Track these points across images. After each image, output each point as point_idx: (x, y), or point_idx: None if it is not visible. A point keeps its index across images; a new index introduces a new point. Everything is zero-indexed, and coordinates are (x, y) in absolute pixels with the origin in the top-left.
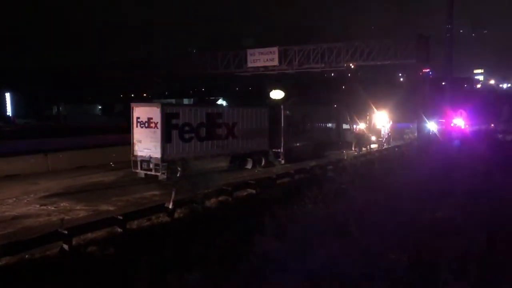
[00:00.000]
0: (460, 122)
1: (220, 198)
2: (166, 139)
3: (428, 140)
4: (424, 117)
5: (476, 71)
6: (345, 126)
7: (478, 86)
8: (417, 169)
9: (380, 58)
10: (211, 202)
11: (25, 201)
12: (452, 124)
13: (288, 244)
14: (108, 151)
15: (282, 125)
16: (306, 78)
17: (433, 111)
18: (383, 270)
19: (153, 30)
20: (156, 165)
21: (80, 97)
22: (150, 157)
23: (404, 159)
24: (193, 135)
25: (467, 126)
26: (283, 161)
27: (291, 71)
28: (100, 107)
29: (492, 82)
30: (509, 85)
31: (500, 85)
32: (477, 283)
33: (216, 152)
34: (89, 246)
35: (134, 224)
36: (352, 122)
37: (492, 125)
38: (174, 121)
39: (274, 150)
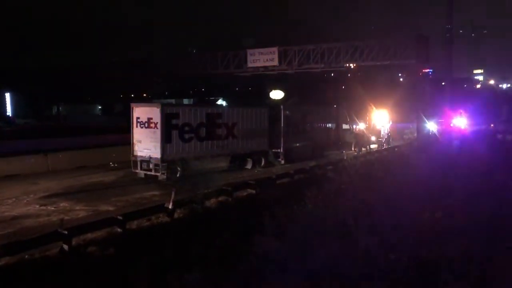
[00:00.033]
0: (459, 122)
1: (220, 198)
2: (166, 139)
3: (428, 140)
4: (424, 117)
5: (475, 71)
6: (344, 126)
7: (478, 86)
8: (417, 169)
9: (380, 58)
10: (211, 202)
11: (25, 201)
12: (451, 124)
13: (288, 244)
14: (108, 151)
15: (282, 125)
16: (306, 78)
17: (433, 111)
18: (383, 270)
19: (153, 30)
20: (156, 165)
21: (80, 97)
22: (150, 157)
23: (404, 159)
24: (193, 135)
25: (466, 126)
26: (282, 161)
27: (291, 71)
28: (100, 107)
29: (491, 82)
30: (508, 85)
31: (500, 85)
32: (477, 283)
33: (216, 152)
34: (89, 246)
35: (134, 224)
36: (352, 122)
37: (492, 125)
38: (174, 121)
39: (274, 150)
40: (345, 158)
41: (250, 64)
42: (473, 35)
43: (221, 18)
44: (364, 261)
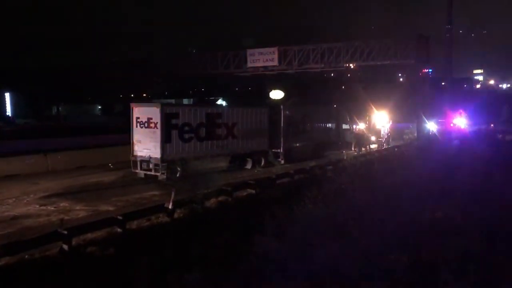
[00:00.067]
0: (459, 122)
1: (219, 198)
2: (165, 139)
3: (427, 140)
4: (424, 117)
5: (475, 71)
6: (344, 126)
7: (478, 86)
8: (416, 169)
9: (380, 58)
10: (211, 202)
11: (25, 201)
12: (451, 124)
13: (288, 244)
14: (107, 151)
15: (282, 125)
16: (306, 78)
17: (433, 111)
18: (383, 270)
19: (153, 30)
20: (155, 165)
21: (80, 97)
22: (150, 157)
23: (404, 159)
24: (192, 135)
25: (466, 126)
26: (282, 161)
27: (291, 71)
28: (100, 107)
29: (491, 82)
30: (508, 85)
31: (500, 85)
32: (477, 283)
33: (216, 152)
34: (88, 246)
35: (134, 224)
36: (352, 122)
37: (492, 125)
38: (173, 121)
39: (273, 150)
40: (345, 158)
41: (250, 64)
42: (472, 35)
43: (221, 18)
44: (363, 261)
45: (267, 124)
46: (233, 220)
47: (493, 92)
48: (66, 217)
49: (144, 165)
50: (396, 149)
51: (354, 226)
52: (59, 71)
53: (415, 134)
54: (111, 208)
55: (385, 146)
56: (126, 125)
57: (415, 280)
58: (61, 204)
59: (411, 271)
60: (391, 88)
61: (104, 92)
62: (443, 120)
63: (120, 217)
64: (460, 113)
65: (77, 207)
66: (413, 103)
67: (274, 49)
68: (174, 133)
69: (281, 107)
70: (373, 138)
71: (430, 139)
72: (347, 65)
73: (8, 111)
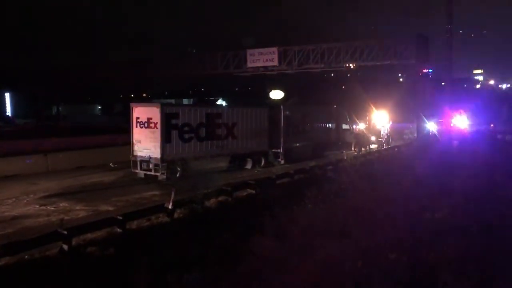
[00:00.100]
0: (459, 122)
1: (219, 199)
2: (165, 139)
3: (427, 140)
4: (423, 117)
5: (475, 71)
6: (344, 127)
7: (478, 86)
8: (416, 169)
9: (380, 58)
10: (211, 202)
11: (25, 201)
12: (451, 124)
13: (288, 244)
14: (107, 151)
15: (282, 125)
16: (306, 78)
17: (433, 111)
18: (383, 270)
19: (153, 30)
20: (155, 165)
21: (80, 97)
22: (150, 157)
23: (403, 160)
24: (192, 135)
25: (466, 126)
26: (282, 162)
27: (291, 71)
28: (99, 107)
29: (491, 82)
30: (508, 85)
31: (500, 86)
32: (477, 283)
33: (216, 152)
34: (88, 247)
35: (134, 225)
36: (352, 122)
37: (492, 125)
38: (173, 121)
39: (273, 150)
40: (345, 158)
41: (250, 64)
42: (472, 35)
43: (221, 18)
44: (363, 261)
45: (267, 124)
46: (233, 220)
47: (493, 92)
48: (66, 217)
49: (144, 165)
50: (396, 149)
51: (354, 226)
52: (59, 71)
53: (415, 134)
54: (111, 208)
55: (385, 146)
56: (126, 125)
57: (415, 280)
58: (61, 204)
59: (411, 272)
60: (391, 88)
61: (104, 92)
62: (443, 120)
63: (120, 217)
64: (460, 113)
65: (77, 207)
66: (413, 103)
67: (274, 49)
68: (174, 133)
69: (281, 107)
70: (373, 138)
71: (430, 139)
72: (347, 65)
73: (8, 111)
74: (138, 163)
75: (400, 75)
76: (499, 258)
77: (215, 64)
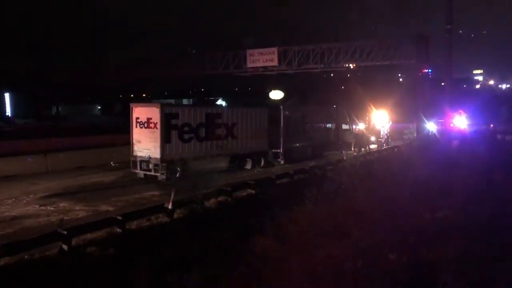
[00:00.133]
0: (459, 122)
1: (219, 199)
2: (165, 140)
3: (427, 140)
4: (423, 117)
5: (475, 71)
6: (344, 127)
7: (477, 86)
8: (416, 169)
9: (380, 58)
10: (211, 202)
11: (25, 201)
12: (451, 124)
13: (288, 244)
14: (107, 151)
15: (282, 125)
16: (306, 78)
17: (433, 111)
18: (383, 270)
19: (153, 30)
20: (155, 165)
21: (80, 97)
22: (150, 158)
23: (403, 160)
24: (192, 135)
25: (466, 126)
26: (282, 162)
27: (291, 72)
28: (99, 107)
29: (491, 82)
30: (508, 85)
31: (499, 86)
32: (477, 283)
33: (216, 153)
34: (88, 247)
35: (134, 225)
36: (352, 122)
37: (492, 125)
38: (173, 122)
39: (273, 150)
40: (344, 158)
41: (249, 64)
42: (472, 35)
43: (221, 18)
44: (363, 261)
45: (267, 124)
46: (233, 220)
47: (493, 92)
48: (65, 217)
49: (144, 165)
50: (395, 150)
51: (354, 227)
52: (59, 71)
53: (415, 134)
54: (110, 208)
55: (385, 146)
56: (125, 125)
57: (415, 280)
58: (61, 204)
59: (411, 272)
60: (391, 88)
61: (104, 92)
62: (443, 120)
63: (119, 217)
64: (460, 113)
65: (77, 207)
66: (413, 103)
67: (274, 49)
68: (174, 133)
69: (281, 107)
70: (373, 138)
71: (430, 139)
72: (347, 65)
73: (8, 111)
74: (138, 163)
75: (400, 75)
76: (499, 258)
77: (215, 64)
